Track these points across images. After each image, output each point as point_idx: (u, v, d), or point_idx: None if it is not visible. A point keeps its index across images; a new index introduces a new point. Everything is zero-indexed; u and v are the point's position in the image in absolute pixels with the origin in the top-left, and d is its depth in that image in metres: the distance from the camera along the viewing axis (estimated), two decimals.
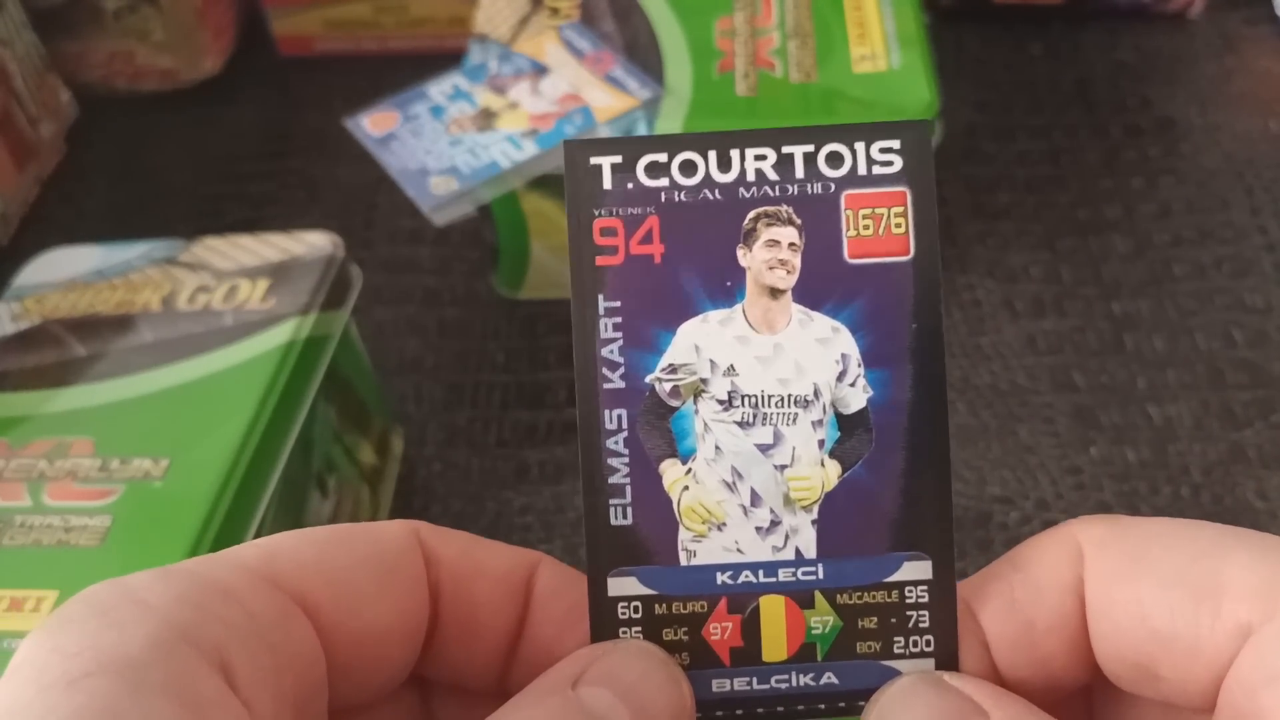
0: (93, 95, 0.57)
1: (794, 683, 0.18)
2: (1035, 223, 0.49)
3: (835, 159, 0.18)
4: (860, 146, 0.18)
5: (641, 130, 0.42)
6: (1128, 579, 0.17)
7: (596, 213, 0.18)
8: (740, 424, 0.18)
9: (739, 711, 0.18)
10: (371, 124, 0.43)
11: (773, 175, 0.18)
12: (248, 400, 0.32)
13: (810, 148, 0.18)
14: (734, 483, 0.18)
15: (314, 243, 0.37)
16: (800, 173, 0.18)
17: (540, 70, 0.44)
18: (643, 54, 0.45)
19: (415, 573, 0.17)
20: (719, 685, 0.18)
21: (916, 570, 0.18)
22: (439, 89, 0.44)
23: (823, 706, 0.18)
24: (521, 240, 0.45)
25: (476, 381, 0.45)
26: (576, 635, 0.18)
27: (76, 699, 0.13)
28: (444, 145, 0.42)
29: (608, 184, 0.18)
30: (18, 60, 0.52)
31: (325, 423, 0.36)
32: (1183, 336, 0.44)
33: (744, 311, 0.18)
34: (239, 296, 0.35)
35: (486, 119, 0.42)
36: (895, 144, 0.18)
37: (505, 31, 0.46)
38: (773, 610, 0.18)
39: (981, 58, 0.57)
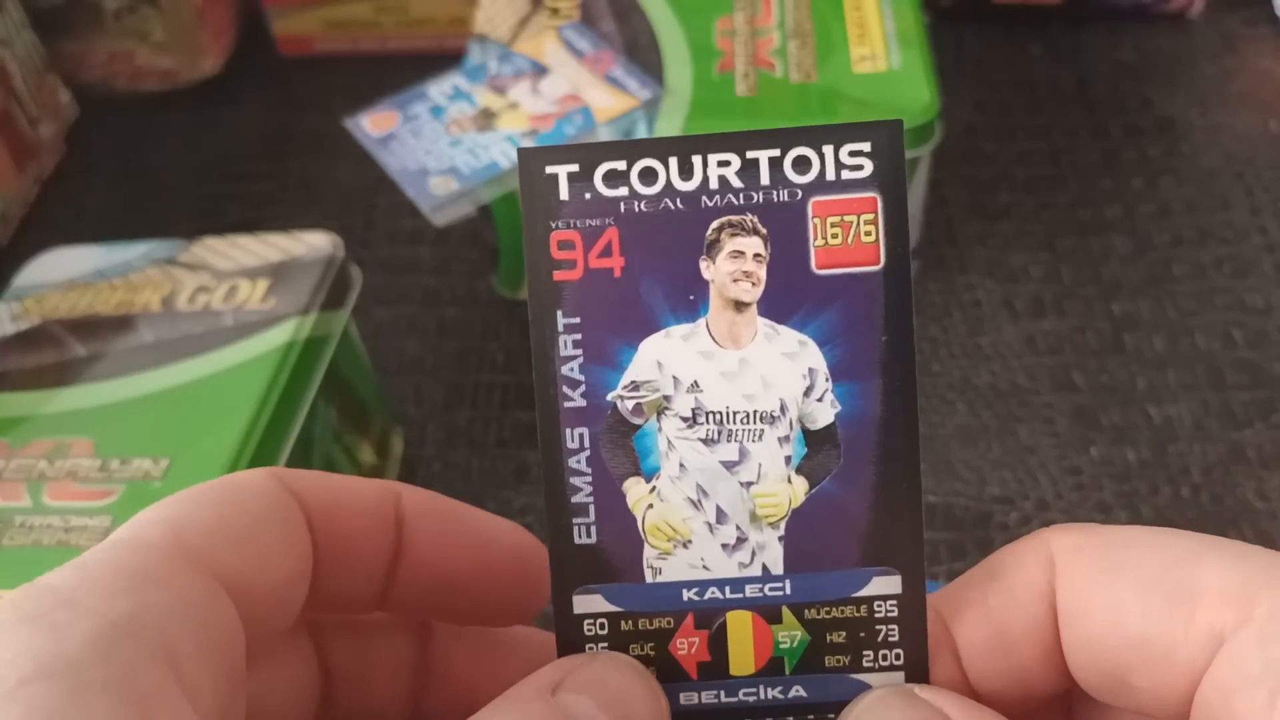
0: (93, 95, 0.57)
1: (762, 696, 0.18)
2: (1035, 223, 0.49)
3: (802, 164, 0.17)
4: (829, 150, 0.17)
5: (641, 131, 0.42)
6: (1100, 586, 0.17)
7: (553, 225, 0.17)
8: (705, 441, 0.18)
9: None
10: (371, 124, 0.43)
11: (737, 182, 0.17)
12: (247, 400, 0.32)
13: (776, 152, 0.17)
14: (699, 500, 0.18)
15: (314, 243, 0.37)
16: (765, 179, 0.17)
17: (540, 70, 0.44)
18: (643, 54, 0.45)
19: (299, 518, 0.17)
20: (686, 698, 0.18)
21: (886, 585, 0.18)
22: (439, 89, 0.44)
23: (791, 719, 0.18)
24: (521, 240, 0.45)
25: (476, 382, 0.45)
26: (456, 552, 0.19)
27: (15, 710, 0.13)
28: (444, 145, 0.42)
29: (564, 194, 0.17)
30: (18, 60, 0.52)
31: (325, 423, 0.36)
32: (1183, 337, 0.44)
33: (708, 326, 0.17)
34: (239, 297, 0.35)
35: (486, 119, 0.42)
36: (865, 146, 0.17)
37: (505, 32, 0.46)
38: (740, 625, 0.18)
39: (981, 58, 0.57)
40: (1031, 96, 0.55)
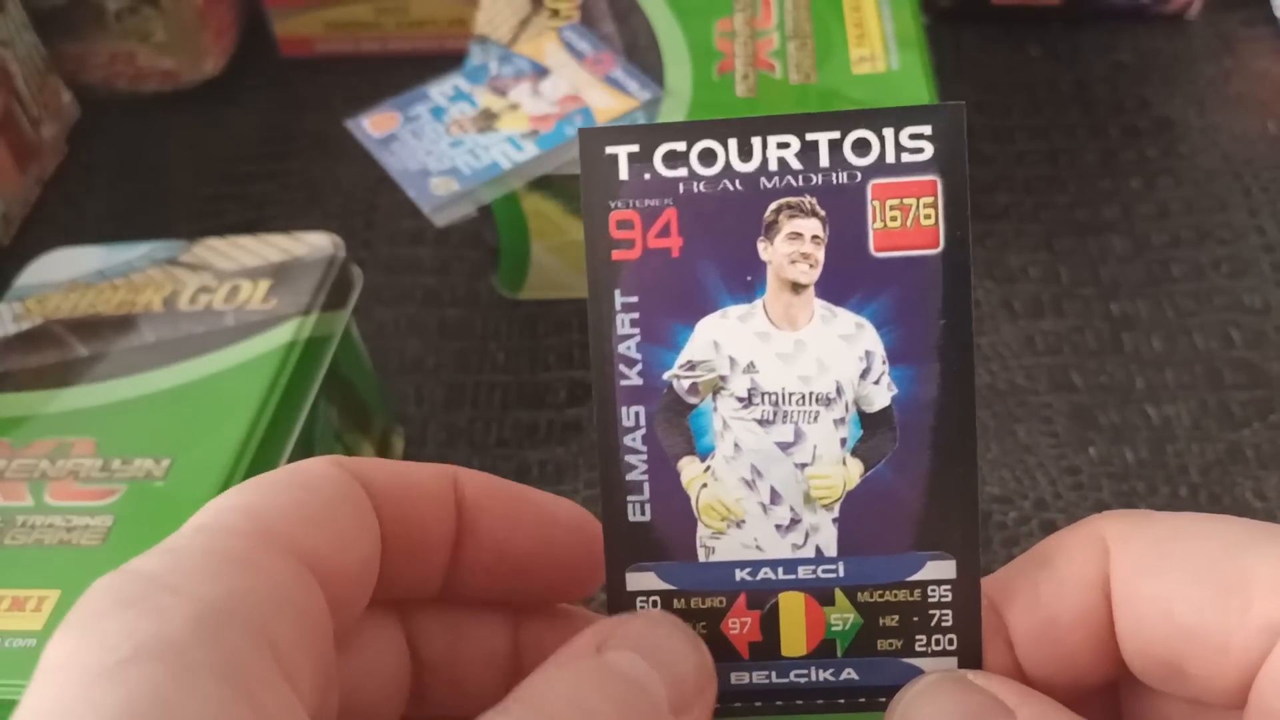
0: (94, 96, 0.57)
1: (813, 677, 0.18)
2: (1034, 223, 0.49)
3: (862, 146, 0.17)
4: (889, 133, 0.17)
5: None
6: (1153, 574, 0.17)
7: (612, 205, 0.17)
8: (760, 422, 0.18)
9: (758, 703, 0.18)
10: (372, 125, 0.43)
11: (796, 164, 0.17)
12: (249, 400, 0.32)
13: (836, 134, 0.17)
14: (753, 481, 0.18)
15: (315, 243, 0.37)
16: (825, 161, 0.17)
17: (540, 71, 0.44)
18: (642, 55, 0.45)
19: (367, 502, 0.17)
20: (738, 678, 0.18)
21: (940, 570, 0.18)
22: (440, 90, 0.44)
23: (842, 701, 0.18)
24: (522, 241, 0.45)
25: (477, 382, 0.45)
26: (518, 531, 0.19)
27: (119, 692, 0.13)
28: (444, 146, 0.42)
29: (624, 174, 0.17)
30: (19, 61, 0.52)
31: (326, 423, 0.37)
32: (1181, 337, 0.44)
33: (765, 307, 0.17)
34: (240, 297, 0.35)
35: (487, 120, 0.43)
36: (926, 129, 0.17)
37: (505, 33, 0.46)
38: (792, 606, 0.18)
39: (980, 59, 0.57)
40: (1030, 97, 0.55)
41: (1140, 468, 0.41)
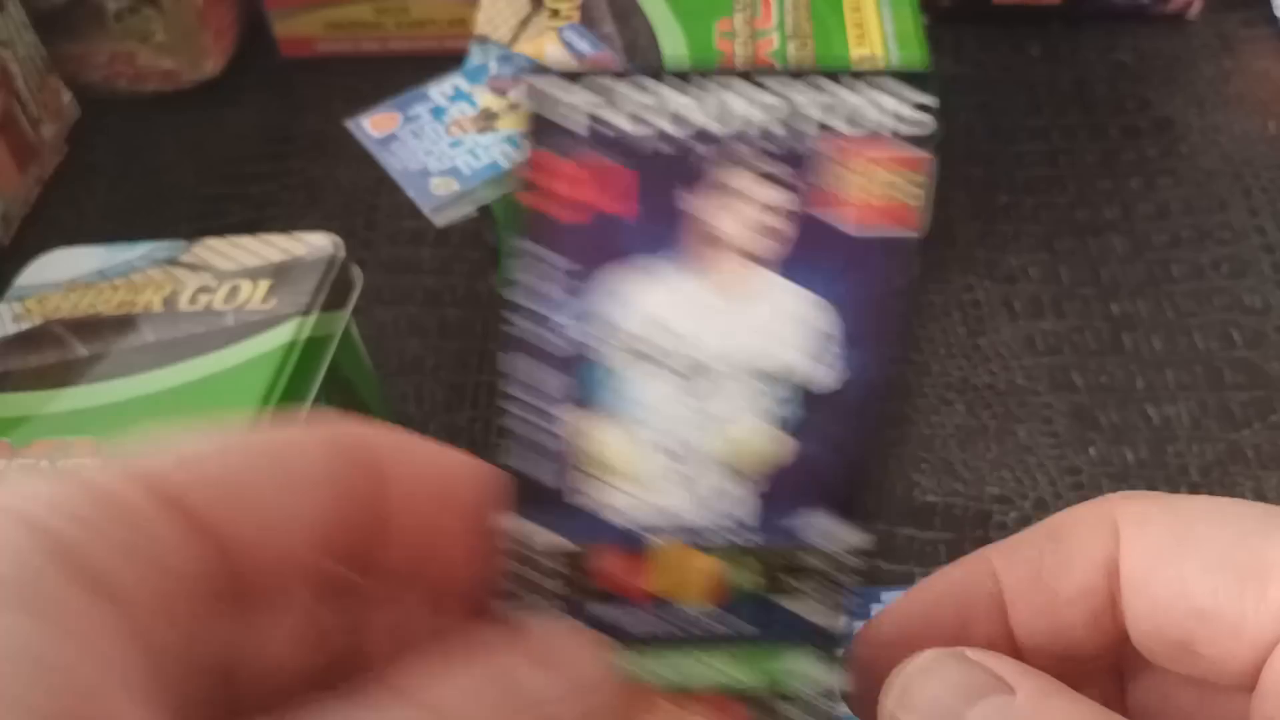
0: (94, 96, 0.57)
1: (703, 626, 0.18)
2: (1034, 224, 0.49)
3: (851, 109, 0.15)
4: (884, 98, 0.15)
5: None
6: (1169, 556, 0.17)
7: (560, 156, 0.15)
8: (690, 393, 0.17)
9: (645, 644, 0.18)
10: (372, 125, 0.43)
11: (773, 124, 0.15)
12: (249, 401, 0.32)
13: (823, 95, 0.15)
14: (670, 447, 0.17)
15: (315, 243, 0.37)
16: (803, 124, 0.15)
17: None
18: (642, 55, 0.45)
19: (353, 490, 0.16)
20: (631, 625, 0.18)
21: (842, 532, 0.17)
22: (440, 90, 0.44)
23: (733, 651, 0.18)
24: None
25: (477, 382, 0.45)
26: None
27: None
28: (445, 146, 0.42)
29: (575, 125, 0.15)
30: (19, 61, 0.52)
31: None
32: (1181, 337, 0.44)
33: (715, 277, 0.16)
34: (240, 297, 0.35)
35: (487, 120, 0.43)
36: (926, 99, 0.15)
37: (506, 33, 0.46)
38: (682, 559, 0.17)
39: (980, 59, 0.57)
40: (1030, 97, 0.55)
41: (1140, 468, 0.41)
